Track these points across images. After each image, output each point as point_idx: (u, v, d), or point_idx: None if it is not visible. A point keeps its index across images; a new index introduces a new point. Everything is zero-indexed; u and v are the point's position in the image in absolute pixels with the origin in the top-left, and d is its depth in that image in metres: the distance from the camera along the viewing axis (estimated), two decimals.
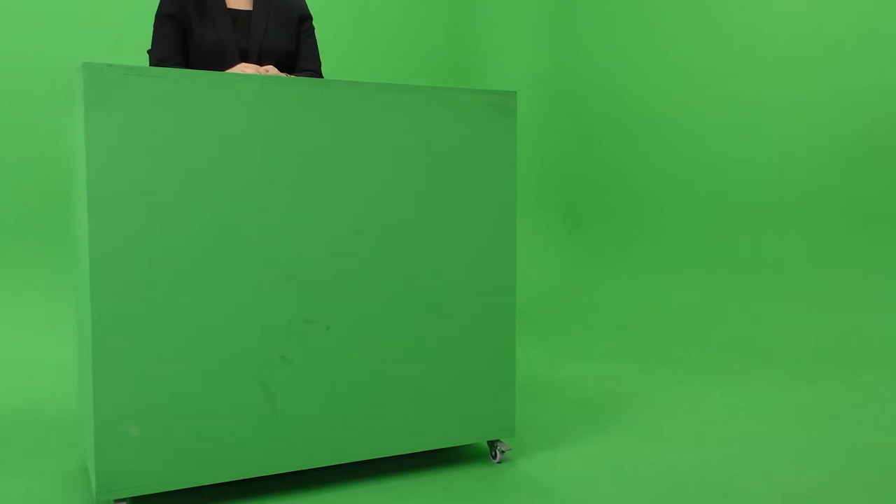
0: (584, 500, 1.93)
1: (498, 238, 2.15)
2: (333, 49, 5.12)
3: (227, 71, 2.11)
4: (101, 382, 1.73)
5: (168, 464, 1.80)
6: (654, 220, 5.11)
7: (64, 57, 4.27)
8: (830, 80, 4.17)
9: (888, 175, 3.96)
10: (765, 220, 4.49)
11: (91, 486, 2.04)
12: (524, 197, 5.90)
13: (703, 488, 2.00)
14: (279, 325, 1.89)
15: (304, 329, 1.92)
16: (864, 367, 3.46)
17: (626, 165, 5.28)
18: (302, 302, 1.92)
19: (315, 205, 1.93)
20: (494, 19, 5.87)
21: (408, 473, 2.14)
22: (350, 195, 1.96)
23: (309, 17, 2.51)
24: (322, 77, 2.50)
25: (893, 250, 3.95)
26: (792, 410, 2.78)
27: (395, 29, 5.40)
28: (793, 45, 4.32)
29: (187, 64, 2.35)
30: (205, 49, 2.31)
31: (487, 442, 2.23)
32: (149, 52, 2.36)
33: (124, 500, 1.78)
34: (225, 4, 2.35)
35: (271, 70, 2.23)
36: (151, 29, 4.44)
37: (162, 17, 2.32)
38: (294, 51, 2.46)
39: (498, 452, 2.21)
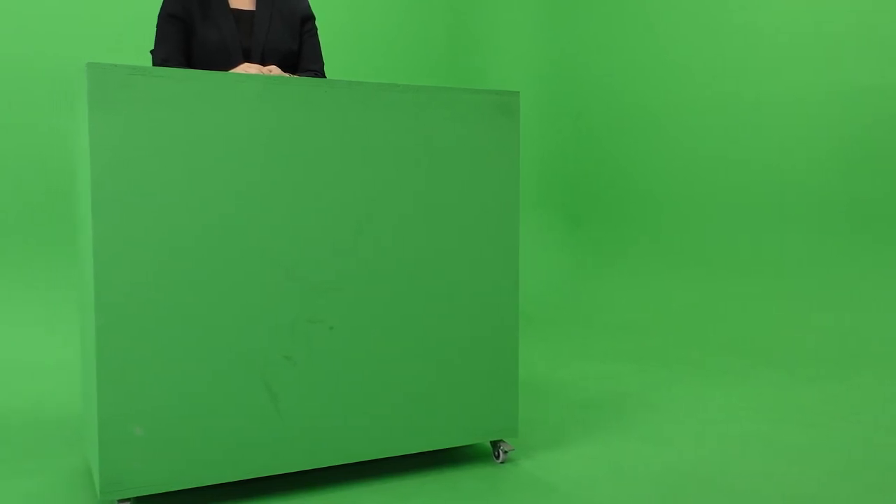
0: (586, 501, 1.93)
1: (501, 238, 2.16)
2: (334, 49, 5.12)
3: (231, 71, 2.12)
4: (105, 382, 1.73)
5: (172, 464, 1.80)
6: (654, 220, 5.11)
7: (64, 57, 4.27)
8: (830, 80, 4.18)
9: (888, 175, 3.97)
10: (765, 220, 4.49)
11: (94, 485, 2.05)
12: (524, 197, 5.91)
13: (703, 488, 2.01)
14: (283, 325, 1.90)
15: (307, 329, 1.93)
16: (864, 367, 3.47)
17: (626, 165, 5.28)
18: (305, 302, 1.92)
19: (318, 205, 1.93)
20: (494, 19, 5.87)
21: (411, 473, 2.14)
22: (353, 195, 1.97)
23: (312, 18, 2.51)
24: (325, 77, 2.50)
25: (893, 250, 3.96)
26: (792, 410, 2.79)
27: (395, 29, 5.40)
28: (793, 45, 4.32)
29: (190, 64, 2.35)
30: (208, 49, 2.31)
31: (490, 442, 2.23)
32: (152, 51, 2.36)
33: (128, 500, 1.78)
34: (228, 4, 2.36)
35: (274, 70, 2.23)
36: (151, 29, 4.44)
37: (165, 17, 2.32)
38: (297, 51, 2.46)
39: (501, 453, 2.21)
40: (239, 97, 1.84)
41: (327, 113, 1.93)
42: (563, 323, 4.86)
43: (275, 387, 1.90)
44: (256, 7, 2.39)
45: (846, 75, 4.11)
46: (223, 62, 2.32)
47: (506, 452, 2.22)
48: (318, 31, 5.06)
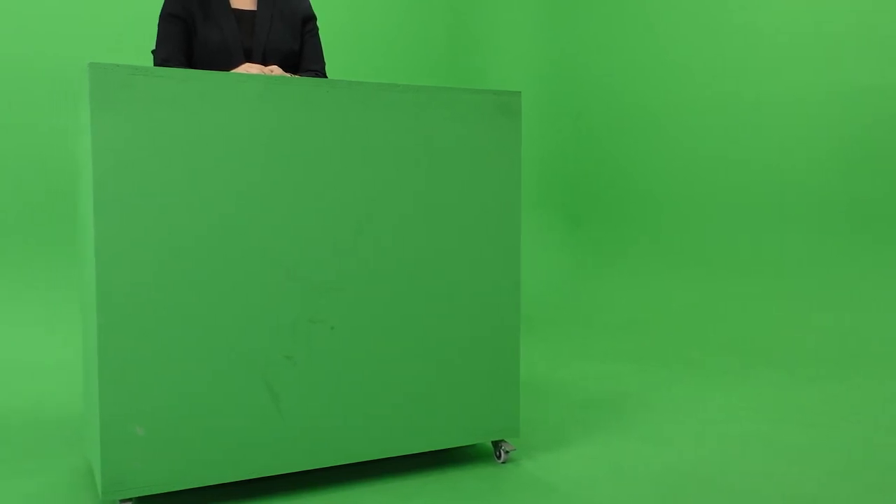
0: (587, 501, 1.93)
1: (502, 238, 2.16)
2: (334, 49, 5.13)
3: (232, 71, 2.12)
4: (107, 382, 1.73)
5: (174, 464, 1.80)
6: (654, 220, 5.11)
7: (64, 57, 4.27)
8: (830, 80, 4.18)
9: (888, 175, 3.97)
10: (765, 220, 4.50)
11: (96, 486, 2.05)
12: (524, 197, 5.91)
13: (703, 488, 2.01)
14: (284, 325, 1.90)
15: (308, 329, 1.93)
16: (864, 367, 3.47)
17: (626, 165, 5.29)
18: (306, 302, 1.92)
19: (319, 204, 1.93)
20: (494, 19, 5.87)
21: (413, 473, 2.14)
22: (354, 195, 1.97)
23: (313, 18, 2.51)
24: (326, 77, 2.50)
25: (893, 250, 3.96)
26: (792, 410, 2.79)
27: (395, 29, 5.40)
28: (793, 45, 4.33)
29: (191, 64, 2.35)
30: (209, 49, 2.31)
31: (492, 442, 2.23)
32: (153, 51, 2.36)
33: (130, 500, 1.78)
34: (229, 4, 2.36)
35: (276, 70, 2.23)
36: (152, 29, 4.44)
37: (166, 17, 2.32)
38: (298, 51, 2.47)
39: (502, 453, 2.22)
40: (240, 97, 1.84)
41: (328, 113, 1.93)
42: (563, 323, 4.86)
43: (276, 387, 1.90)
44: (257, 7, 2.39)
45: (846, 75, 4.11)
46: (224, 62, 2.32)
47: (507, 452, 2.22)
48: (319, 31, 5.07)
